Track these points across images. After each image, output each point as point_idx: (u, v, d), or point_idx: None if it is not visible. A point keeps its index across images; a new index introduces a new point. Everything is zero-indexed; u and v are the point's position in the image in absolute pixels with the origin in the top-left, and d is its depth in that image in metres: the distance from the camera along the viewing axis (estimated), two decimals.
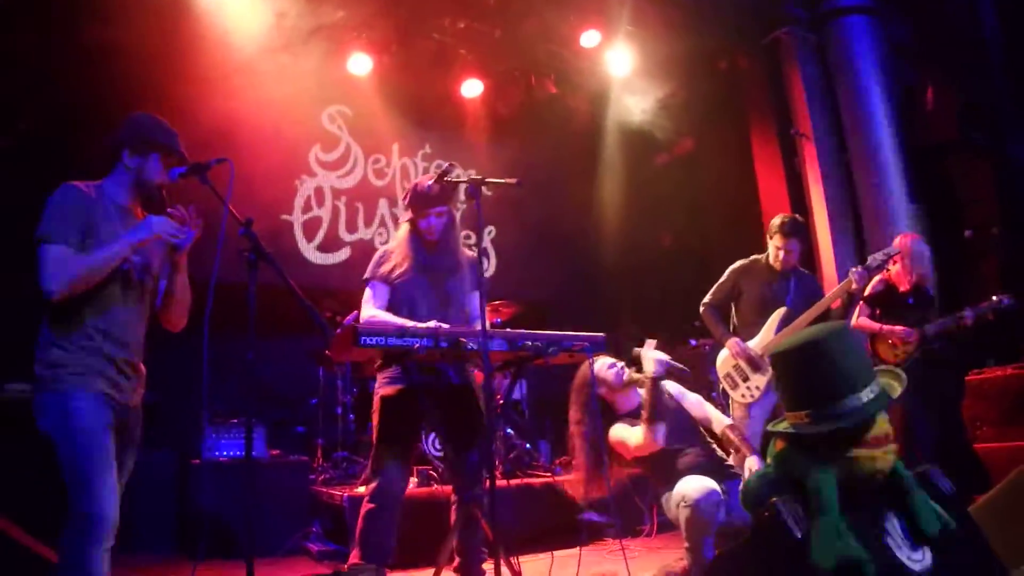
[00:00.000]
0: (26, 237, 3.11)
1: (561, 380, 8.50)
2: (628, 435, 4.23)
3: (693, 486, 3.98)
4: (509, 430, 7.16)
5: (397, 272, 4.26)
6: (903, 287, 6.01)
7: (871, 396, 2.28)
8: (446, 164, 4.01)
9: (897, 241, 6.18)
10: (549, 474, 6.83)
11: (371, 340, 3.48)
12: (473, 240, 9.28)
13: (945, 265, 7.39)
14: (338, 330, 3.61)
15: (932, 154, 7.44)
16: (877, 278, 6.21)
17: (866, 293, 6.17)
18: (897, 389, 2.38)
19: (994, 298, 5.84)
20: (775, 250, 5.63)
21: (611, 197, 9.83)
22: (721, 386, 5.76)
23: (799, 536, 2.13)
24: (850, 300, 5.55)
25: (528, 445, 7.27)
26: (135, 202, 3.34)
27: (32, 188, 3.36)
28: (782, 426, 2.41)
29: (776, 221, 5.68)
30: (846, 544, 2.10)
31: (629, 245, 9.95)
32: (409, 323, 3.94)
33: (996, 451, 5.88)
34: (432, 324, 3.79)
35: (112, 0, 6.13)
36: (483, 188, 3.77)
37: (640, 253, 10.02)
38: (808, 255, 7.97)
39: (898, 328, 5.90)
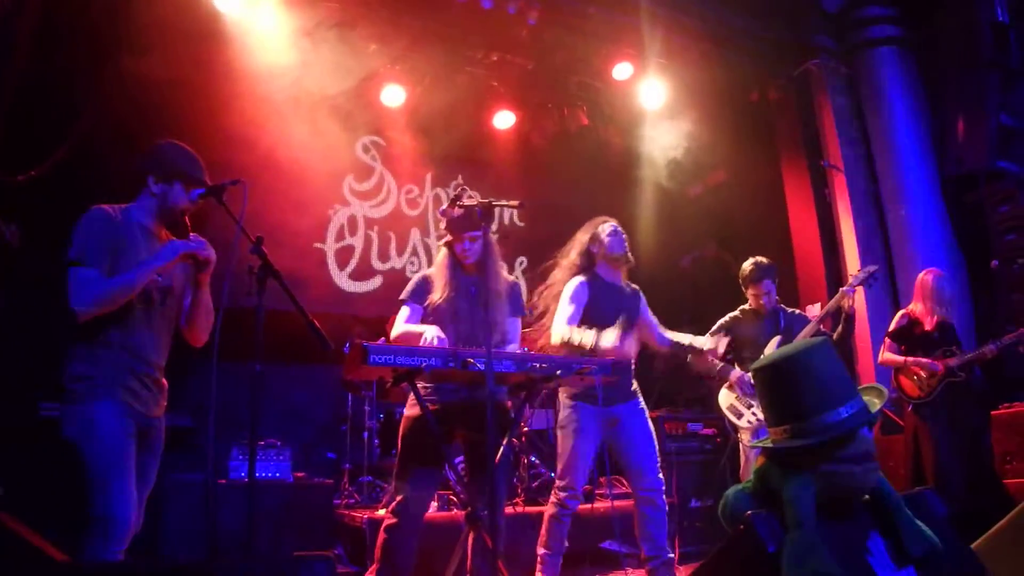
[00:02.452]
0: (60, 262, 3.29)
1: None
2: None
3: None
4: (534, 458, 7.17)
5: (435, 296, 4.32)
6: (927, 326, 6.01)
7: (850, 412, 2.28)
8: (459, 189, 4.09)
9: (919, 279, 6.18)
10: None
11: (380, 358, 3.54)
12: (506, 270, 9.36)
13: (976, 296, 7.31)
14: (346, 348, 3.67)
15: (963, 184, 7.37)
16: (900, 313, 6.23)
17: (890, 329, 6.18)
18: (877, 405, 2.38)
19: (1022, 330, 5.81)
20: (753, 297, 5.82)
21: (643, 228, 9.84)
22: (728, 418, 5.79)
23: (772, 550, 2.14)
24: (847, 324, 5.57)
25: (552, 474, 7.25)
26: (160, 226, 3.53)
27: (67, 215, 3.51)
28: (764, 442, 2.43)
29: (744, 269, 5.85)
30: (818, 560, 2.10)
31: (661, 276, 9.93)
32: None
33: None
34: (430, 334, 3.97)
35: (148, 32, 6.28)
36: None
37: (672, 284, 10.01)
38: (838, 288, 7.93)
39: (923, 360, 5.91)
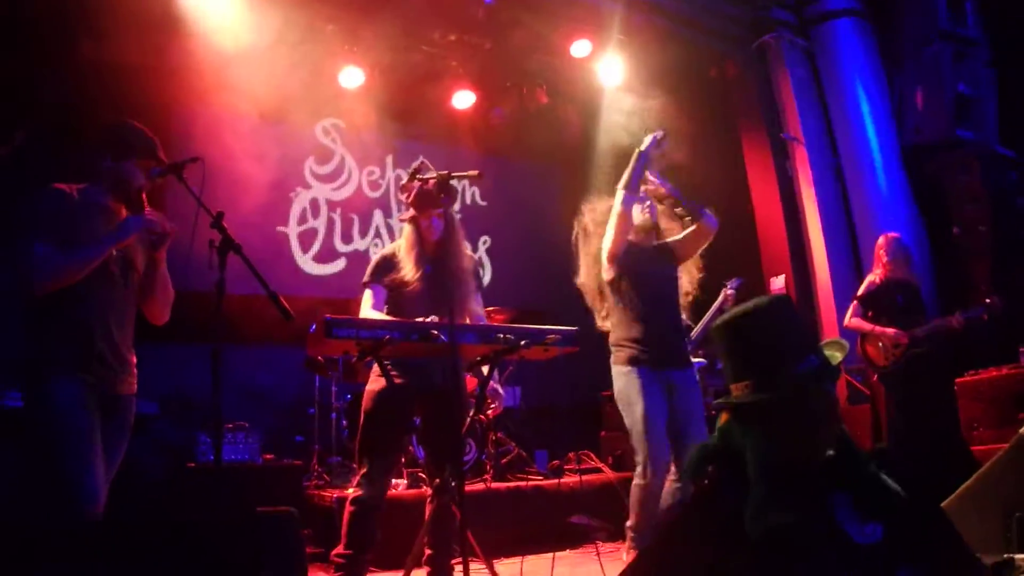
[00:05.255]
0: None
1: (556, 387, 8.61)
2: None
3: None
4: (501, 434, 7.19)
5: (399, 274, 4.28)
6: (887, 287, 6.03)
7: (811, 366, 2.29)
8: (418, 163, 4.08)
9: (877, 244, 6.23)
10: (541, 478, 6.84)
11: (343, 332, 3.52)
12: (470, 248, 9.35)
13: (937, 264, 7.40)
14: (312, 326, 3.64)
15: (923, 154, 7.43)
16: (869, 279, 6.23)
17: (859, 293, 6.21)
18: (839, 358, 2.39)
19: (987, 300, 5.87)
20: None
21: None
22: None
23: (735, 505, 2.15)
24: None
25: (521, 451, 7.28)
26: (118, 204, 3.49)
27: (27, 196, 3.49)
28: (726, 398, 2.43)
29: None
30: (778, 513, 2.10)
31: None
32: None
33: (993, 453, 5.84)
34: None
35: (106, 18, 6.21)
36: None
37: None
38: (801, 259, 7.99)
39: (889, 330, 5.92)
